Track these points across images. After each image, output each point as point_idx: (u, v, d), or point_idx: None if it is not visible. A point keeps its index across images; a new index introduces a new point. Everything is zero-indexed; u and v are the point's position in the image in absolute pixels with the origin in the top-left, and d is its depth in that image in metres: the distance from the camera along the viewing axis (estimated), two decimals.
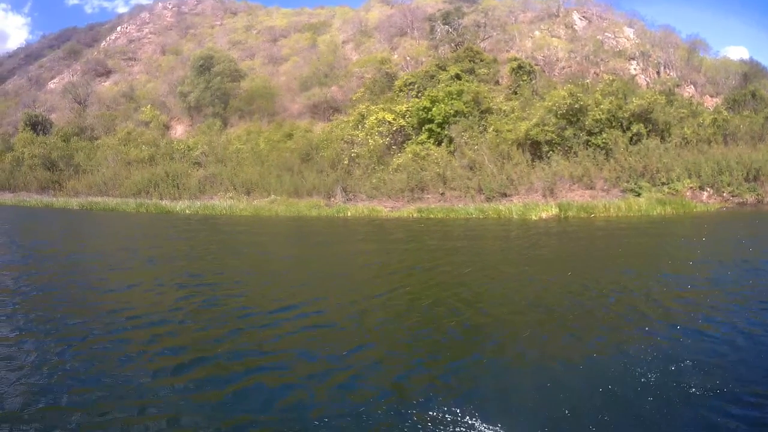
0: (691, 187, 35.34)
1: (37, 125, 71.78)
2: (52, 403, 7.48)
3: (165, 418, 7.10)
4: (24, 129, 71.26)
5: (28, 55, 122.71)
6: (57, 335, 10.35)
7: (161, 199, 49.03)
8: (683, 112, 42.32)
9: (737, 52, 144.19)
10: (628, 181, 36.45)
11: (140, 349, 9.72)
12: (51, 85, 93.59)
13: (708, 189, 35.42)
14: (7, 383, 8.06)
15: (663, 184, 35.65)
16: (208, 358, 9.27)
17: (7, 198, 60.21)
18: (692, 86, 55.61)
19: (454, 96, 44.25)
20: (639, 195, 34.88)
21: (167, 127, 69.88)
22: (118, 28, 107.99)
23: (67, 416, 7.07)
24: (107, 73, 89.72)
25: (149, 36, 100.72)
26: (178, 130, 69.08)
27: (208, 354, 9.47)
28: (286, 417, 7.06)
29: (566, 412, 7.01)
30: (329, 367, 8.83)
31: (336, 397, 7.69)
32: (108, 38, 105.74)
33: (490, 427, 6.67)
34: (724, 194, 34.96)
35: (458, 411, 7.14)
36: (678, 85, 52.31)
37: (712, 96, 54.14)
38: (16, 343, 9.95)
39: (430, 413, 7.08)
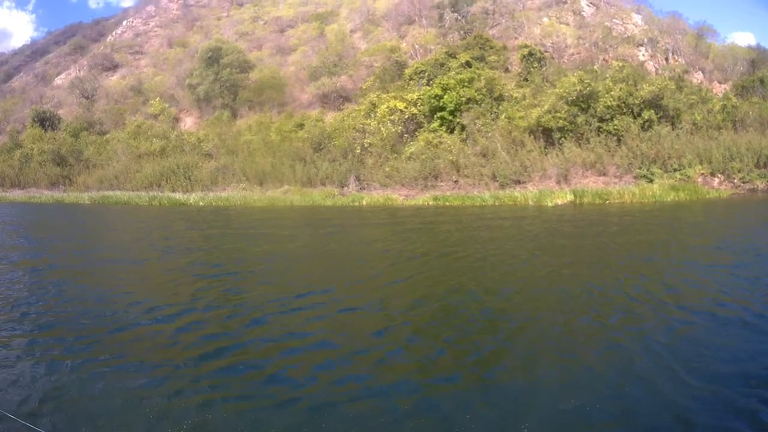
0: (702, 174, 35.39)
1: (46, 121, 71.85)
2: (83, 391, 7.55)
3: (197, 402, 7.14)
4: (32, 125, 71.32)
5: (33, 52, 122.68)
6: (76, 330, 10.21)
7: (173, 191, 48.99)
8: (693, 99, 42.14)
9: (744, 38, 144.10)
10: (640, 168, 36.52)
11: (167, 338, 9.74)
12: (58, 80, 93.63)
13: (719, 175, 35.42)
14: (31, 381, 7.94)
15: (675, 170, 35.73)
16: (237, 344, 9.33)
17: (17, 194, 60.34)
18: (700, 72, 55.41)
19: (466, 83, 44.28)
20: (651, 181, 34.98)
21: (177, 119, 69.79)
22: (124, 22, 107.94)
23: (98, 405, 7.12)
24: (114, 67, 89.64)
25: (155, 29, 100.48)
26: (188, 123, 69.09)
27: (236, 340, 9.54)
28: (319, 398, 7.18)
29: (588, 392, 7.10)
30: (357, 349, 8.97)
31: (366, 378, 7.85)
32: (114, 32, 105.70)
33: (514, 404, 6.91)
34: (735, 181, 34.92)
35: (483, 389, 7.40)
36: (686, 72, 52.04)
37: (720, 82, 54.00)
38: (36, 340, 9.74)
39: (457, 392, 7.28)
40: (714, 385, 7.07)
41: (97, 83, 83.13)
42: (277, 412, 6.86)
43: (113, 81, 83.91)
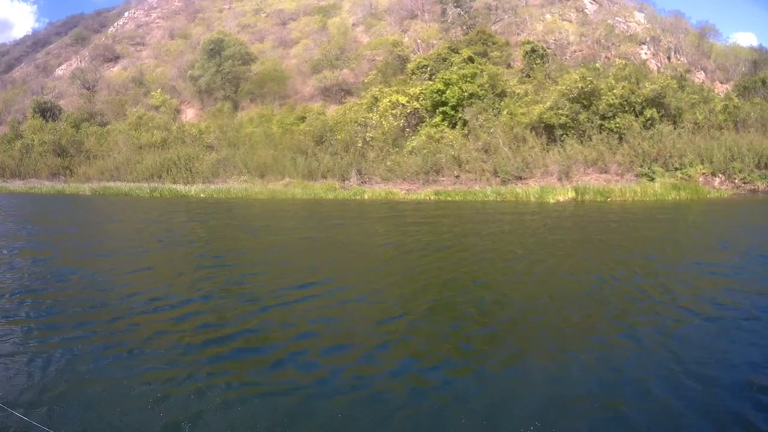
0: (703, 173, 35.35)
1: (46, 112, 71.91)
2: (86, 379, 7.59)
3: (198, 389, 7.21)
4: (33, 116, 71.48)
5: (35, 43, 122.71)
6: (79, 319, 10.28)
7: (174, 183, 49.12)
8: (695, 98, 42.00)
9: (746, 39, 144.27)
10: (641, 166, 36.42)
11: (167, 327, 9.76)
12: (59, 71, 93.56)
13: (720, 175, 35.35)
14: (28, 371, 7.96)
15: (676, 169, 35.61)
16: (237, 333, 9.42)
17: (18, 185, 60.37)
18: (702, 72, 55.41)
19: (468, 79, 44.28)
20: (652, 179, 34.88)
21: (178, 111, 69.67)
22: (126, 14, 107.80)
23: (96, 394, 7.13)
24: (115, 58, 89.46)
25: (157, 21, 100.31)
26: (189, 114, 69.00)
27: (237, 329, 9.62)
28: (315, 387, 7.28)
29: (579, 387, 7.19)
30: (353, 339, 9.09)
31: (361, 367, 7.97)
32: (116, 24, 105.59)
33: (505, 394, 7.03)
34: (736, 181, 34.85)
35: (475, 380, 7.51)
36: (688, 71, 52.05)
37: (722, 82, 54.00)
38: (35, 329, 9.81)
39: (450, 382, 7.41)
40: (707, 386, 7.06)
41: (99, 74, 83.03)
42: (272, 400, 6.96)
43: (114, 72, 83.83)
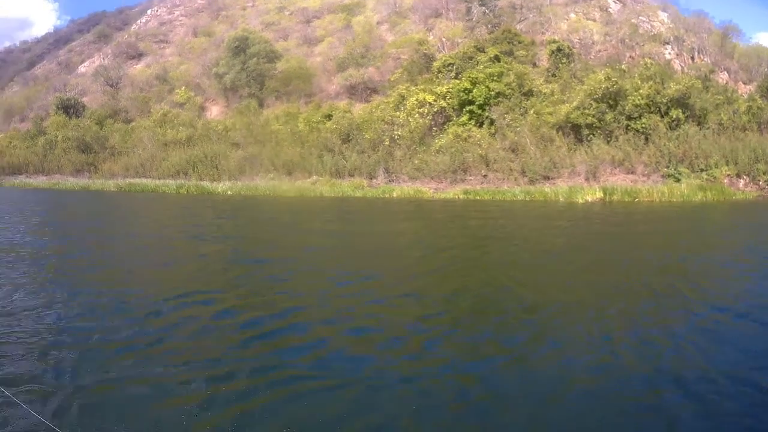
0: (728, 175, 35.33)
1: (70, 108, 72.36)
2: (122, 378, 7.45)
3: (238, 388, 7.07)
4: (56, 112, 71.98)
5: (57, 40, 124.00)
6: (113, 317, 10.00)
7: (200, 180, 49.65)
8: (719, 99, 41.86)
9: None
10: (667, 167, 36.41)
11: (204, 324, 9.74)
12: (81, 68, 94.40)
13: (744, 177, 35.34)
14: (72, 357, 8.04)
15: (701, 170, 35.54)
16: (276, 331, 9.39)
17: (41, 181, 61.48)
18: (725, 72, 55.20)
19: (495, 77, 44.49)
20: (678, 180, 34.91)
21: (202, 108, 70.22)
22: (149, 11, 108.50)
23: (130, 395, 6.92)
24: (138, 55, 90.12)
25: (180, 18, 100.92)
26: (214, 111, 69.53)
27: (276, 326, 9.68)
28: (363, 383, 7.25)
29: (618, 383, 7.22)
30: (397, 337, 9.07)
31: (407, 365, 7.93)
32: (138, 21, 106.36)
33: (546, 390, 7.09)
34: (760, 183, 34.82)
35: (518, 376, 7.55)
36: (712, 71, 51.86)
37: (745, 83, 53.75)
38: (67, 328, 9.52)
39: (493, 379, 7.49)
40: (744, 386, 6.96)
41: (122, 71, 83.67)
42: (322, 397, 6.84)
43: (138, 69, 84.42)
